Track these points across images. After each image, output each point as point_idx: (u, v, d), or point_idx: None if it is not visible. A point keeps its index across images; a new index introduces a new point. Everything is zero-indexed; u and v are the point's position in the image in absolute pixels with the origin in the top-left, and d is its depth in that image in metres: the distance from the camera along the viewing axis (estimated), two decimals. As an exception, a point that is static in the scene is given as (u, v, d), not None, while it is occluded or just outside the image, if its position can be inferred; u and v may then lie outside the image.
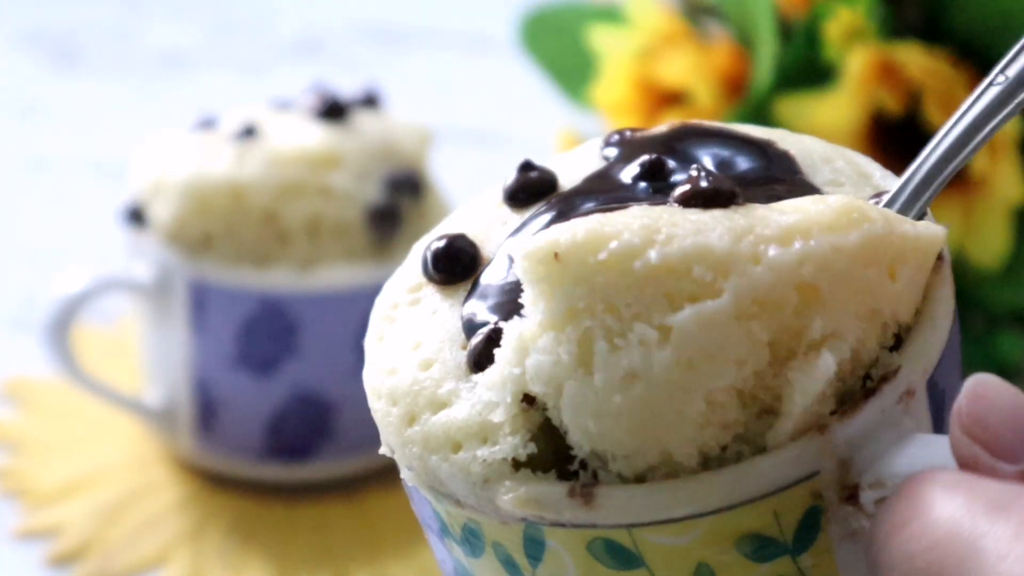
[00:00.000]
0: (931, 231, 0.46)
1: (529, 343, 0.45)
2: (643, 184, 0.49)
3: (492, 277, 0.49)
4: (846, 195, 0.46)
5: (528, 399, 0.45)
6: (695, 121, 0.52)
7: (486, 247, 0.50)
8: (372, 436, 0.49)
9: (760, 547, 0.45)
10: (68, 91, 1.38)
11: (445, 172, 1.02)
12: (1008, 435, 0.42)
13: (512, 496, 0.45)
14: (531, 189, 0.51)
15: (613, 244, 0.44)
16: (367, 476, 0.94)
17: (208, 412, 0.91)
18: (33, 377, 1.01)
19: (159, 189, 0.90)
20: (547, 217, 0.50)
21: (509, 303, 0.47)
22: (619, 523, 0.44)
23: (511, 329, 0.46)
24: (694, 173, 0.47)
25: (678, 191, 0.47)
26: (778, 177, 0.49)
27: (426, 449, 0.46)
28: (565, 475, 0.45)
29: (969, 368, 0.45)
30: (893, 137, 0.91)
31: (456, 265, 0.50)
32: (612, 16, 1.06)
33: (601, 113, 1.01)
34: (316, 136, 0.91)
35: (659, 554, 0.45)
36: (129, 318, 1.03)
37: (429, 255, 0.50)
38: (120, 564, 0.88)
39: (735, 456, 0.44)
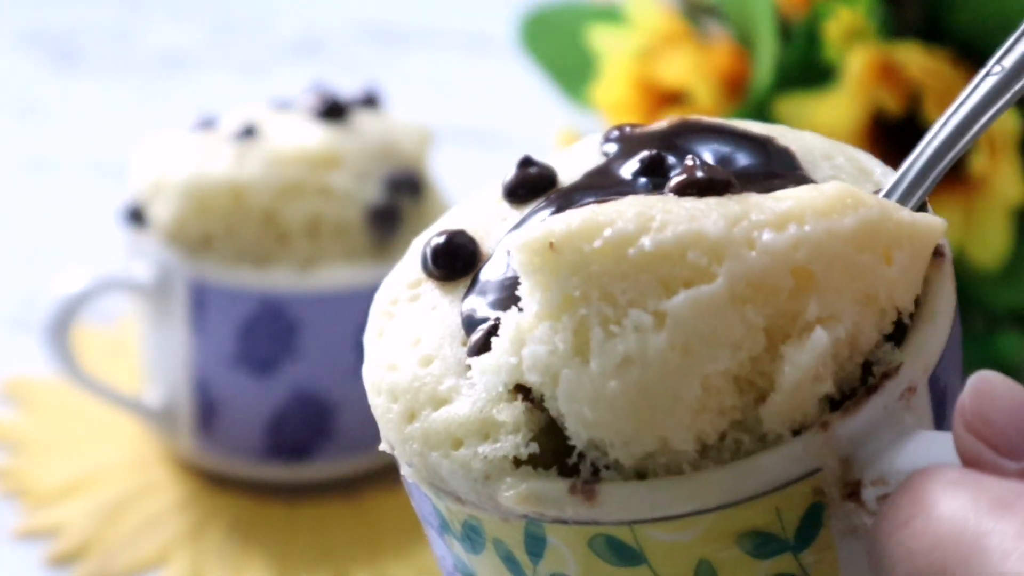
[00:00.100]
0: (928, 219, 0.46)
1: (526, 333, 0.45)
2: (643, 180, 0.49)
3: (492, 273, 0.49)
4: (842, 182, 0.46)
5: (523, 391, 0.45)
6: (695, 117, 0.52)
7: (485, 243, 0.50)
8: (372, 436, 0.49)
9: (762, 544, 0.45)
10: (68, 91, 1.38)
11: (445, 172, 1.02)
12: (1012, 432, 0.42)
13: (514, 493, 0.45)
14: (530, 185, 0.51)
15: (607, 232, 0.44)
16: (367, 476, 0.94)
17: (208, 412, 0.91)
18: (33, 377, 1.01)
19: (159, 189, 0.90)
20: (546, 213, 0.50)
21: (509, 299, 0.47)
22: (621, 520, 0.44)
23: (508, 320, 0.46)
24: (690, 163, 0.48)
25: (674, 181, 0.47)
26: (778, 173, 0.49)
27: (426, 446, 0.46)
28: (566, 472, 0.45)
29: (969, 368, 0.45)
30: (893, 137, 0.91)
31: (456, 261, 0.50)
32: (612, 16, 1.06)
33: (601, 113, 1.01)
34: (316, 136, 0.90)
35: (661, 551, 0.45)
36: (129, 318, 1.03)
37: (429, 251, 0.50)
38: (120, 564, 0.88)
39: (733, 444, 0.44)
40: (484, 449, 0.45)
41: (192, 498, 0.93)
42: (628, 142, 0.51)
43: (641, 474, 0.45)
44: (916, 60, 0.88)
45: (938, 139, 0.48)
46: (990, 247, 0.90)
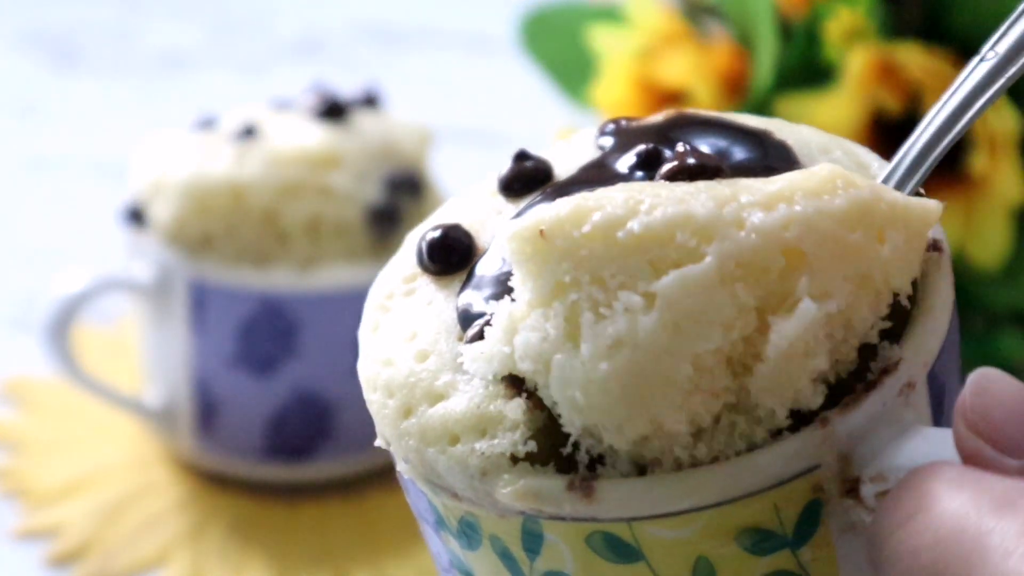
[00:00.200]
0: (922, 202, 0.46)
1: (518, 322, 0.45)
2: (639, 174, 0.49)
3: (487, 267, 0.49)
4: (834, 165, 0.46)
5: (515, 383, 0.45)
6: (691, 110, 0.52)
7: (481, 237, 0.50)
8: (372, 436, 0.49)
9: (760, 540, 0.44)
10: (68, 91, 1.38)
11: (445, 172, 1.01)
12: (1012, 430, 0.42)
13: (511, 489, 0.44)
14: (526, 179, 0.51)
15: (596, 216, 0.44)
16: (367, 476, 0.94)
17: (208, 412, 0.91)
18: (33, 377, 1.01)
19: (159, 189, 0.90)
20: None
21: (504, 293, 0.47)
22: (619, 516, 0.44)
23: (501, 310, 0.46)
24: (680, 149, 0.47)
25: (665, 167, 0.47)
26: (775, 167, 0.49)
27: (423, 442, 0.46)
28: (563, 468, 0.45)
29: (969, 368, 0.45)
30: (893, 137, 0.91)
31: (451, 255, 0.49)
32: (612, 16, 1.06)
33: (601, 113, 1.01)
34: (316, 136, 0.90)
35: (659, 547, 0.45)
36: (129, 318, 1.03)
37: (424, 245, 0.50)
38: (120, 564, 0.88)
39: (728, 426, 0.44)
40: (481, 445, 0.45)
41: (192, 498, 0.93)
42: (624, 135, 0.51)
43: (640, 470, 0.45)
44: (916, 60, 0.88)
45: (933, 126, 0.48)
46: (990, 247, 0.90)
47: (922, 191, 0.49)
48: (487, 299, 0.48)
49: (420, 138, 0.94)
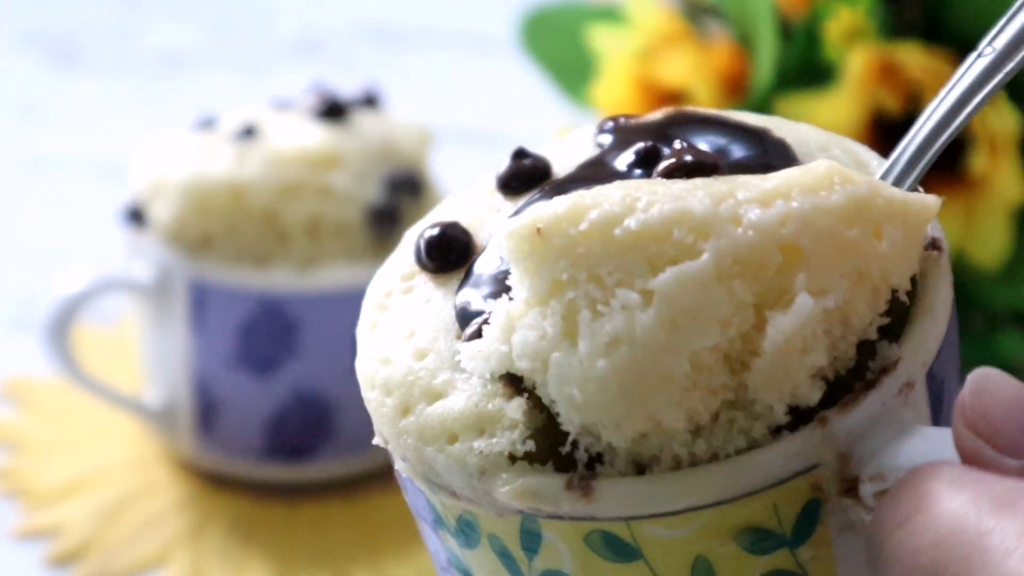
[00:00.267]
0: (920, 197, 0.46)
1: (516, 320, 0.45)
2: (638, 172, 0.49)
3: (485, 265, 0.49)
4: (831, 161, 0.46)
5: (513, 381, 0.45)
6: (690, 108, 0.52)
7: (479, 235, 0.50)
8: (372, 436, 0.49)
9: (759, 540, 0.44)
10: (68, 91, 1.38)
11: (445, 172, 1.01)
12: (1012, 430, 0.42)
13: (510, 488, 0.44)
14: (524, 176, 0.51)
15: (593, 214, 0.44)
16: (367, 476, 0.94)
17: (208, 412, 0.91)
18: (33, 377, 1.01)
19: (159, 189, 0.90)
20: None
21: (502, 291, 0.47)
22: (618, 516, 0.44)
23: (498, 308, 0.46)
24: (678, 146, 0.47)
25: (662, 165, 0.47)
26: (773, 164, 0.49)
27: (421, 440, 0.46)
28: (562, 467, 0.45)
29: (969, 368, 0.45)
30: (893, 137, 0.91)
31: (450, 253, 0.49)
32: (612, 16, 1.06)
33: (601, 113, 1.01)
34: (316, 136, 0.90)
35: (657, 546, 0.44)
36: (129, 318, 1.03)
37: (422, 243, 0.50)
38: (120, 564, 0.88)
39: (727, 423, 0.44)
40: (480, 444, 0.45)
41: (192, 498, 0.93)
42: (622, 133, 0.51)
43: (639, 468, 0.45)
44: (916, 60, 0.88)
45: (931, 122, 0.48)
46: (990, 247, 0.90)
47: (920, 188, 0.49)
48: (485, 297, 0.48)
49: (420, 138, 0.94)
